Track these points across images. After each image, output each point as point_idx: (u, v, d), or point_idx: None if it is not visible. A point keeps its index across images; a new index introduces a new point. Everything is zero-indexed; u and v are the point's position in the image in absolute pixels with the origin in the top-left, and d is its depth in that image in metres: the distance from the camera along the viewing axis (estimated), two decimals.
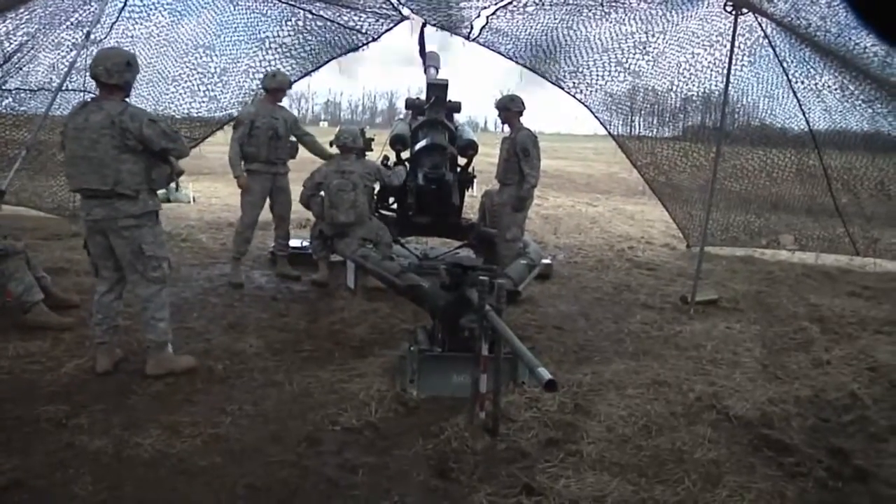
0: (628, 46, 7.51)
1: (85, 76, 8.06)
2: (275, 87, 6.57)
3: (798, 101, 7.81)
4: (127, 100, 4.06)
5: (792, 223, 9.39)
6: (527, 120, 6.58)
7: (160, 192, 4.50)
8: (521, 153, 6.26)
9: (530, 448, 3.40)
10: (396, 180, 6.81)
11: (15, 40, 7.29)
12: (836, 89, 7.32)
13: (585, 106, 8.59)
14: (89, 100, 4.11)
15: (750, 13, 6.23)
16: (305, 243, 7.44)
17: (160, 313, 4.19)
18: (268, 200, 6.65)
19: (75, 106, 4.23)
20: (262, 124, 6.35)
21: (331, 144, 6.74)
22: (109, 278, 4.21)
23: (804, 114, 8.00)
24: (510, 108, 6.48)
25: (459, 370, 3.92)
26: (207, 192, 13.16)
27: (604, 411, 3.84)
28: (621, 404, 3.96)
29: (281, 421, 3.63)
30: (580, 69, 7.94)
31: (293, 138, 6.70)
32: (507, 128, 6.65)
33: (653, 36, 7.31)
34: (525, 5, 6.52)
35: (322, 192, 6.47)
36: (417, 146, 7.28)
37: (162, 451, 3.22)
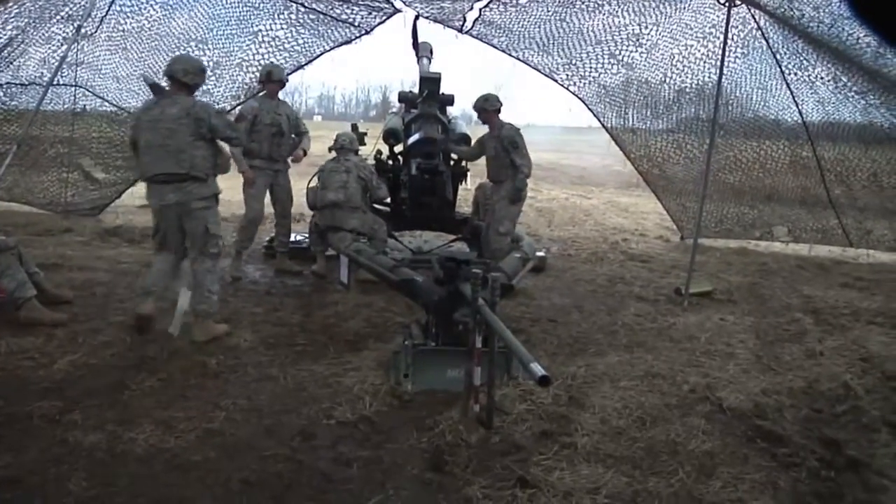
0: (621, 38, 7.50)
1: (76, 71, 8.07)
2: (276, 80, 6.54)
3: (791, 92, 7.83)
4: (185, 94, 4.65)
5: (785, 215, 9.41)
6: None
7: None
8: (510, 147, 6.31)
9: (524, 441, 3.41)
10: (382, 193, 6.80)
11: (5, 35, 7.26)
12: (829, 81, 7.33)
13: (579, 98, 8.58)
14: (158, 98, 4.69)
15: (743, 5, 6.24)
16: (300, 237, 7.43)
17: (214, 286, 4.76)
18: (268, 197, 6.63)
19: (147, 102, 4.82)
20: (265, 120, 6.32)
21: (329, 150, 6.76)
22: (173, 255, 4.82)
23: (797, 105, 8.02)
24: (486, 108, 6.55)
25: (453, 364, 3.92)
26: None
27: (598, 403, 3.85)
28: (615, 396, 3.97)
29: (275, 415, 3.62)
30: (573, 61, 7.93)
31: (294, 136, 6.68)
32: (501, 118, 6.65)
33: (646, 28, 7.31)
34: None
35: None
36: (411, 140, 7.27)
37: (156, 446, 3.21)
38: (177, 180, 4.52)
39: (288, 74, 8.01)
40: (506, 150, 6.31)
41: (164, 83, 4.90)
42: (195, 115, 4.49)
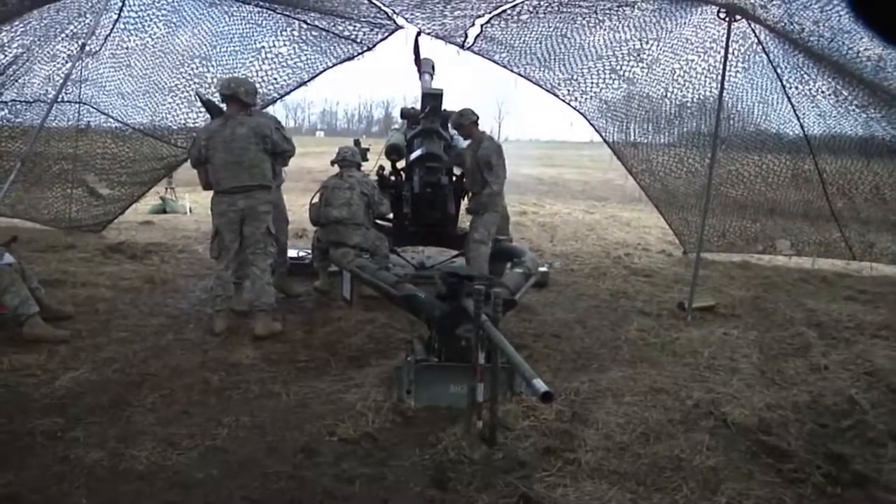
0: (623, 54, 7.52)
1: (80, 88, 8.12)
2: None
3: (792, 106, 7.84)
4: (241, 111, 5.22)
5: (788, 228, 9.40)
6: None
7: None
8: (484, 167, 6.39)
9: (528, 457, 3.39)
10: (385, 209, 6.81)
11: (10, 52, 7.31)
12: (829, 95, 7.35)
13: (581, 113, 8.61)
14: (222, 119, 5.27)
15: (743, 20, 6.25)
16: (302, 253, 7.43)
17: (270, 283, 5.28)
18: None
19: (212, 124, 5.37)
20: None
21: (332, 164, 6.76)
22: (230, 259, 5.31)
23: (799, 119, 8.03)
24: (463, 123, 6.63)
25: (456, 380, 3.90)
26: (204, 202, 13.10)
27: (601, 419, 3.83)
28: (619, 412, 3.95)
29: (278, 432, 3.61)
30: (575, 77, 7.96)
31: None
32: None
33: (647, 43, 7.34)
34: (519, 14, 6.54)
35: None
36: (413, 155, 7.29)
37: (158, 463, 3.20)
38: (247, 189, 5.17)
39: (291, 91, 8.09)
40: (479, 167, 6.38)
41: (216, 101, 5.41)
42: (261, 133, 5.12)
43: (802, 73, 7.24)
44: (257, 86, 7.81)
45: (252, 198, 5.20)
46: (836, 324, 6.22)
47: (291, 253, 7.47)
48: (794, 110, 7.90)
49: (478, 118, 6.67)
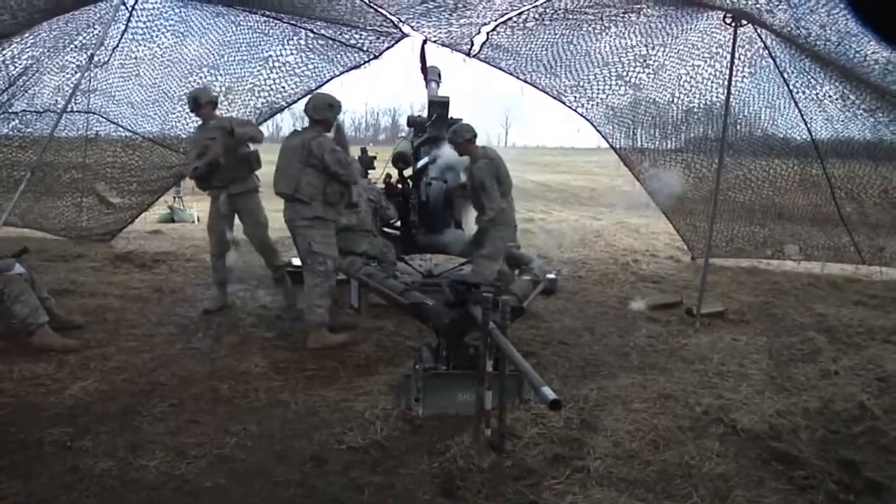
0: (629, 60, 7.52)
1: (89, 98, 8.19)
2: (206, 103, 6.37)
3: (800, 111, 7.81)
4: (323, 131, 5.34)
5: (797, 233, 9.36)
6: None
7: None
8: (479, 188, 6.13)
9: (536, 465, 3.38)
10: (392, 213, 6.80)
11: (21, 63, 7.38)
12: (837, 99, 7.32)
13: (587, 120, 8.60)
14: (299, 129, 5.50)
15: (749, 25, 6.24)
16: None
17: (319, 301, 5.25)
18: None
19: (289, 133, 5.56)
20: (196, 151, 6.26)
21: None
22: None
23: (806, 123, 8.00)
24: (457, 141, 6.31)
25: (464, 388, 3.90)
26: None
27: (610, 426, 3.82)
28: (628, 419, 3.94)
29: (286, 441, 3.61)
30: (581, 83, 7.95)
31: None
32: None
33: (653, 49, 7.33)
34: (525, 21, 6.55)
35: None
36: (420, 163, 7.30)
37: (167, 472, 3.21)
38: (288, 199, 5.28)
39: (298, 99, 8.11)
40: (475, 188, 6.20)
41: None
42: (308, 148, 5.17)
43: (809, 77, 7.23)
44: (265, 94, 7.91)
45: (291, 210, 5.31)
46: (846, 329, 6.19)
47: (298, 262, 7.47)
48: (802, 115, 7.87)
49: (474, 135, 6.34)
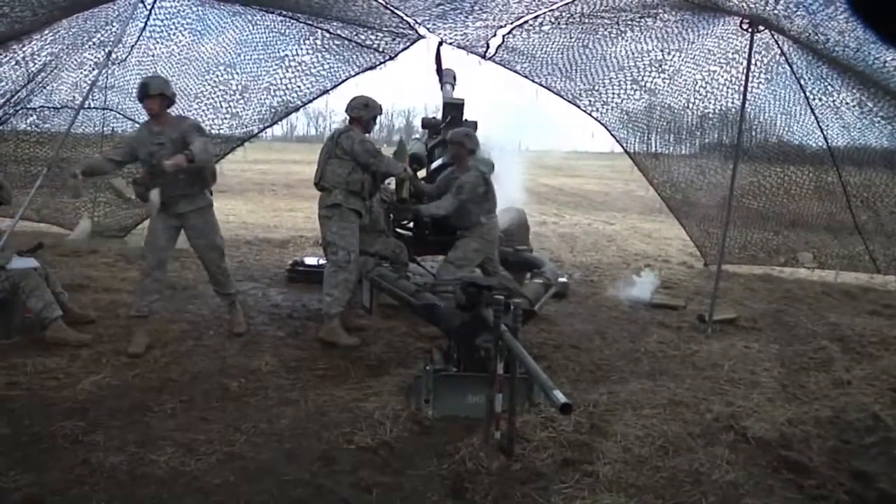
0: (644, 64, 7.50)
1: (106, 94, 8.26)
2: (155, 94, 4.97)
3: (816, 117, 7.76)
4: (356, 128, 5.43)
5: (811, 240, 9.30)
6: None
7: None
8: (456, 190, 5.81)
9: (546, 468, 3.37)
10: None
11: (40, 60, 7.46)
12: (854, 106, 7.27)
13: (602, 124, 8.58)
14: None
15: (766, 31, 6.21)
16: (322, 261, 7.45)
17: (332, 290, 5.25)
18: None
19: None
20: (140, 154, 5.24)
21: None
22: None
23: (822, 130, 7.95)
24: (464, 146, 5.98)
25: (475, 390, 3.90)
26: (225, 209, 13.19)
27: (620, 431, 3.81)
28: (638, 424, 3.92)
29: (295, 439, 3.62)
30: (596, 87, 7.94)
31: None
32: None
33: (669, 54, 7.31)
34: (541, 24, 6.54)
35: None
36: (434, 165, 7.30)
37: (176, 468, 3.22)
38: (317, 189, 5.52)
39: (313, 99, 8.14)
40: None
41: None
42: (337, 139, 5.39)
43: (826, 84, 7.18)
44: (280, 93, 7.92)
45: (320, 198, 5.54)
46: (859, 338, 6.14)
47: (311, 261, 7.52)
48: (818, 122, 7.82)
49: (475, 149, 6.09)
